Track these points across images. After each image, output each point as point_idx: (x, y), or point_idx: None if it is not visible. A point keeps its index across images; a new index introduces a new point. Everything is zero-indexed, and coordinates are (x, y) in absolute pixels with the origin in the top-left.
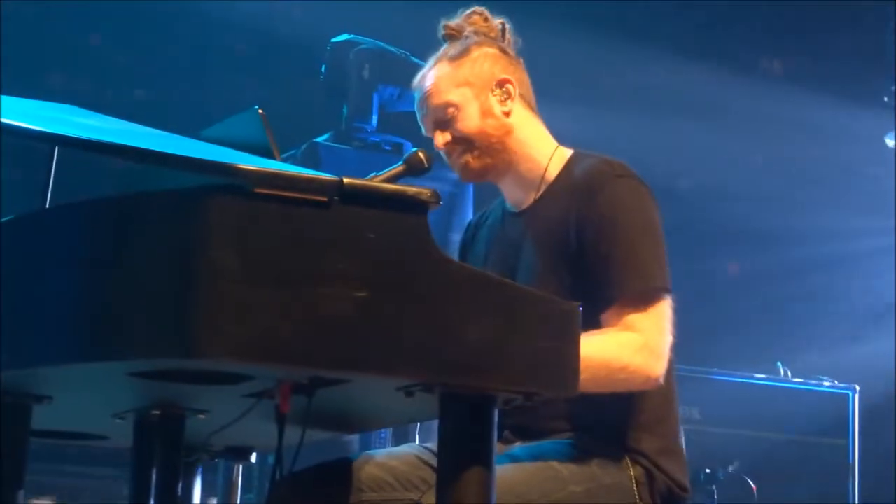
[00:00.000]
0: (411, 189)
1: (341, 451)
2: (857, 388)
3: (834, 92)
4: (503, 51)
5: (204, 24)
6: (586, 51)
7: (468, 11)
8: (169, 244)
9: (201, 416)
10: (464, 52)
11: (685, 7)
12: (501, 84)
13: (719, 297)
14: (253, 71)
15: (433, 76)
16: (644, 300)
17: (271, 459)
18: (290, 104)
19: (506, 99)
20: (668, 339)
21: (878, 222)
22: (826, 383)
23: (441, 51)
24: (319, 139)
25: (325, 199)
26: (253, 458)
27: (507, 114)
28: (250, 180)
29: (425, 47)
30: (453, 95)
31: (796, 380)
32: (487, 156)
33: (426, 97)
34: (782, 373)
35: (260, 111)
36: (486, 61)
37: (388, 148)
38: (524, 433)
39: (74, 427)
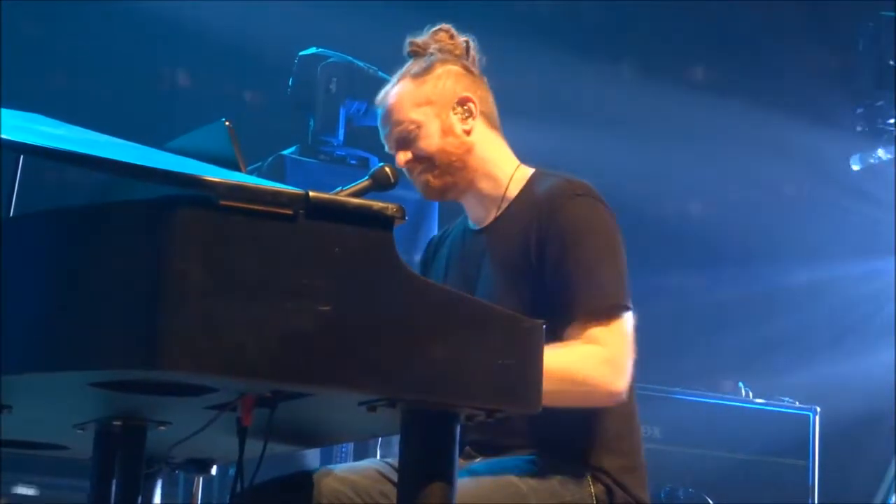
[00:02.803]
0: (377, 204)
1: (297, 465)
2: (818, 409)
3: (800, 113)
4: (466, 69)
5: (171, 35)
6: (551, 69)
7: (434, 28)
8: (134, 255)
9: (162, 428)
10: (426, 70)
11: (652, 27)
12: (463, 102)
13: (682, 316)
14: (221, 83)
15: (395, 94)
16: (606, 316)
17: (232, 472)
18: (256, 116)
19: (467, 117)
20: (630, 355)
21: (842, 245)
22: (787, 404)
23: (405, 68)
24: (286, 152)
25: (291, 212)
26: (214, 470)
27: (468, 132)
28: (216, 192)
29: (393, 62)
30: (415, 114)
31: (758, 400)
32: (448, 174)
33: (388, 114)
34: (744, 393)
35: (227, 123)
36: (449, 79)
37: (353, 162)
38: (485, 449)
39: (34, 437)
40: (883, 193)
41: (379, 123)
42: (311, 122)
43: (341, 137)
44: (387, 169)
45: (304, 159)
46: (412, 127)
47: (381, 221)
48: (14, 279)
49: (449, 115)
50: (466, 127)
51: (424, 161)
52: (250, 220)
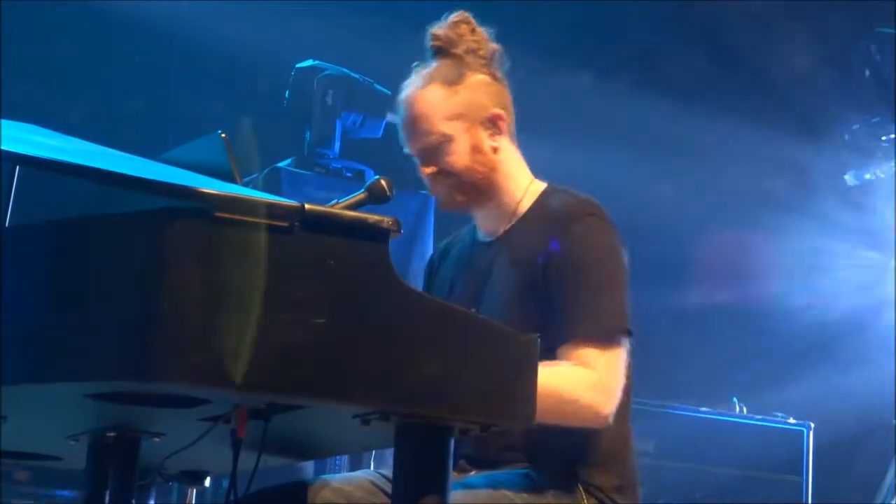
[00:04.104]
0: (372, 217)
1: (294, 476)
2: (812, 424)
3: (797, 128)
4: (494, 77)
5: (167, 47)
6: (553, 83)
7: (454, 19)
8: (129, 266)
9: (156, 439)
10: (459, 79)
11: (647, 40)
12: (494, 119)
13: (676, 331)
14: (217, 94)
15: (425, 99)
16: (602, 340)
17: (225, 483)
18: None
19: (495, 134)
20: (621, 380)
21: (836, 257)
22: (781, 419)
23: (432, 68)
24: (281, 164)
25: (287, 224)
26: (207, 482)
27: (496, 150)
28: (212, 204)
29: (389, 74)
30: (445, 126)
31: (751, 415)
32: (471, 191)
33: (415, 120)
34: (738, 408)
35: (223, 135)
36: (481, 91)
37: (349, 175)
38: (479, 462)
39: (28, 448)
40: (879, 207)
41: (401, 123)
42: (308, 135)
43: (337, 150)
44: (382, 182)
45: (299, 171)
46: (441, 140)
47: (377, 234)
48: (9, 290)
49: (479, 131)
50: (494, 144)
51: (450, 176)
52: (246, 232)
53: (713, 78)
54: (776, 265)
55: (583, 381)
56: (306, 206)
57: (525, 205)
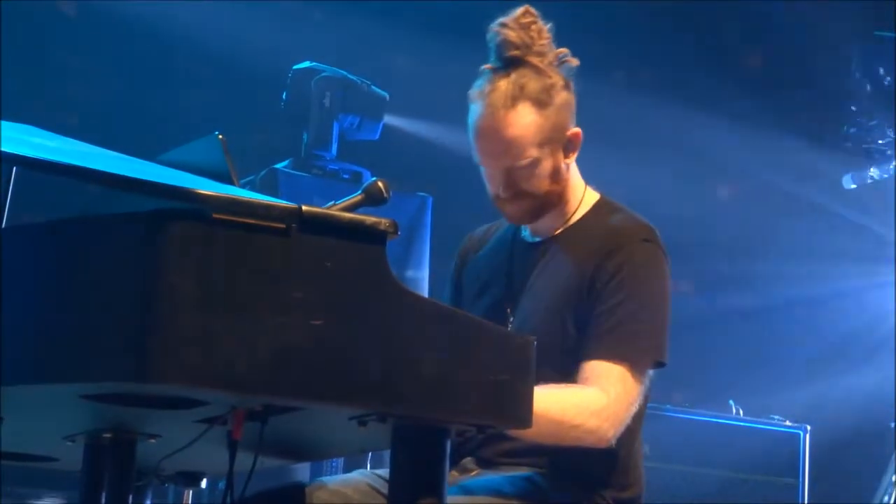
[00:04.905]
0: (370, 219)
1: (290, 478)
2: (808, 427)
3: (793, 130)
4: (567, 86)
5: (165, 48)
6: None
7: (523, 20)
8: (126, 268)
9: (153, 440)
10: (548, 99)
11: (646, 41)
12: (573, 139)
13: (672, 334)
14: (215, 96)
15: (518, 124)
16: (629, 367)
17: (222, 485)
18: (250, 130)
19: (572, 153)
20: (631, 408)
21: (837, 263)
22: (777, 422)
23: (518, 82)
24: (279, 166)
25: (284, 226)
26: (203, 483)
27: (569, 167)
28: (209, 206)
29: (388, 76)
30: (534, 151)
31: (748, 418)
32: (545, 208)
33: (505, 142)
34: (734, 411)
35: (220, 136)
36: (564, 112)
37: (346, 177)
38: (484, 462)
39: (24, 449)
40: (878, 210)
41: (484, 137)
42: (305, 136)
43: (334, 151)
44: (379, 184)
45: (297, 173)
46: (527, 163)
47: (374, 236)
48: (5, 291)
49: (560, 153)
50: (569, 161)
51: (528, 197)
52: (243, 233)
53: (712, 80)
54: (773, 267)
55: (588, 406)
56: (304, 207)
57: (579, 213)
